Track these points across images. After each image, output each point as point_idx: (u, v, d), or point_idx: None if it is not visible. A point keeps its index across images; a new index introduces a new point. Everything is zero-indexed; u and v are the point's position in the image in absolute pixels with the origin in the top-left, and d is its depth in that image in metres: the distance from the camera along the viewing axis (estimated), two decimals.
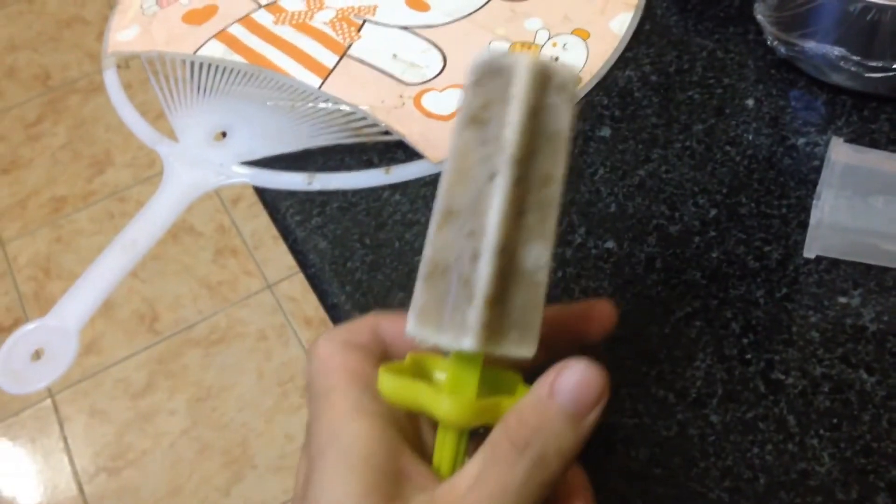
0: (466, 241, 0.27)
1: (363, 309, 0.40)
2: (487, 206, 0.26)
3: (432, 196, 0.44)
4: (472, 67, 0.28)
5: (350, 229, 0.43)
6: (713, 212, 0.40)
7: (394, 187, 0.45)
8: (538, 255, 0.27)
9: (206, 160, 0.47)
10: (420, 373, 0.29)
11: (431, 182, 0.45)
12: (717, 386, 0.35)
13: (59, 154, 1.62)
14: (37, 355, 0.41)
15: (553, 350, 0.28)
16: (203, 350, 1.32)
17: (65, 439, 1.26)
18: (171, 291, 1.38)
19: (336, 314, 0.41)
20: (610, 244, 0.40)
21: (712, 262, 0.38)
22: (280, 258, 1.41)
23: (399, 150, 0.46)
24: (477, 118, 0.27)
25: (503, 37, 0.49)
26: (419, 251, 0.42)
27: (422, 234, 0.43)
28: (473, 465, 0.25)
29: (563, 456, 0.25)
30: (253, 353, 1.31)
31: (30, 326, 0.42)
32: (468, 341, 0.26)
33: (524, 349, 0.27)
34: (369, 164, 0.46)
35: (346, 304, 0.41)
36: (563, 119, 0.27)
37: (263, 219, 1.46)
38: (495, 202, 0.26)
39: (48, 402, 1.30)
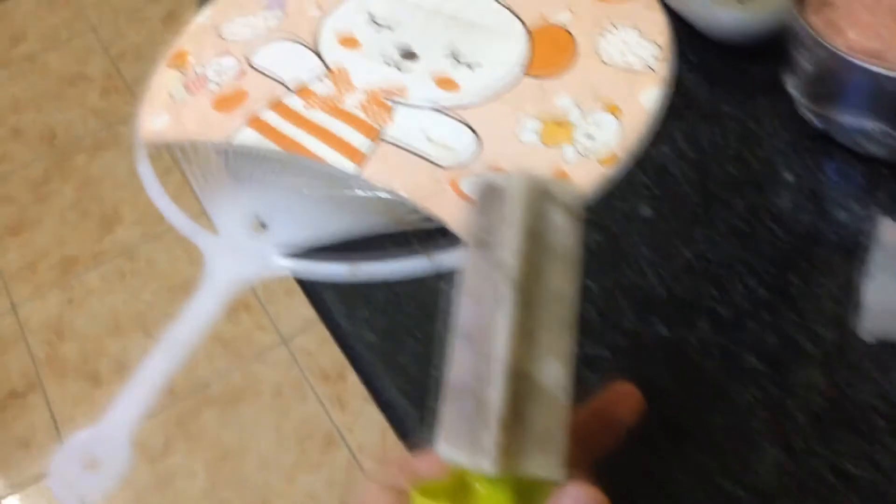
0: (481, 363, 0.27)
1: (417, 405, 0.40)
2: (495, 331, 0.27)
3: None
4: (475, 191, 0.29)
5: (399, 321, 0.43)
6: (763, 292, 0.40)
7: (439, 274, 0.45)
8: (555, 374, 0.27)
9: (246, 252, 0.47)
10: (460, 486, 0.29)
11: None
12: (787, 478, 0.35)
13: (67, 214, 1.62)
14: (90, 465, 0.41)
15: (594, 447, 0.29)
16: (220, 409, 1.31)
17: None
18: None
19: (392, 413, 0.41)
20: (661, 329, 0.40)
21: (769, 346, 0.38)
22: (293, 311, 1.40)
23: (441, 236, 0.46)
24: (483, 241, 0.28)
25: (535, 115, 0.49)
26: None
27: None
28: None
29: None
30: (270, 410, 1.30)
31: (80, 436, 0.42)
32: (487, 465, 0.26)
33: (549, 470, 0.27)
34: (412, 252, 0.46)
35: (402, 399, 0.41)
36: (567, 236, 0.28)
37: None
38: (501, 327, 0.27)
39: None
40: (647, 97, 0.49)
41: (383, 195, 0.47)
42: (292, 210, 0.48)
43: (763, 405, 0.37)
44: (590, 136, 0.48)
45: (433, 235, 0.46)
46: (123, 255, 1.53)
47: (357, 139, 0.50)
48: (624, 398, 0.31)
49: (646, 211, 0.44)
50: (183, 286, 1.46)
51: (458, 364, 0.28)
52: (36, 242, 1.59)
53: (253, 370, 1.34)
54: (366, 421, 1.27)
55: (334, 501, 1.20)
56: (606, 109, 0.49)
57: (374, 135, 0.51)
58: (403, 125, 0.51)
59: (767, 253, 0.42)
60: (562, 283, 0.28)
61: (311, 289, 0.46)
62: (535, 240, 0.27)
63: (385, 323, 0.43)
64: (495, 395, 0.27)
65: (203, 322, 0.46)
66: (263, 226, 0.48)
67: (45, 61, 1.90)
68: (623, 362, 0.39)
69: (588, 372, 0.39)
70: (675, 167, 0.46)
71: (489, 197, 0.28)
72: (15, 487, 1.28)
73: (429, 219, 0.46)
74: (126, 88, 1.81)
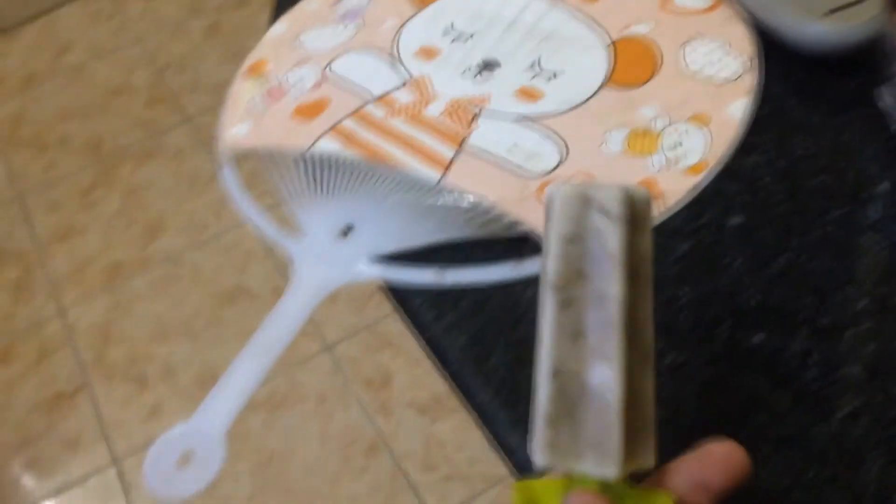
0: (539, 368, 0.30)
1: (512, 407, 0.40)
2: (541, 335, 0.30)
3: None
4: (545, 203, 0.31)
5: (488, 325, 0.44)
6: (864, 302, 0.40)
7: (526, 281, 0.45)
8: (602, 376, 0.28)
9: (332, 257, 0.48)
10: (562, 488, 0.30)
11: None
12: (893, 491, 0.34)
13: (113, 221, 1.64)
14: (184, 460, 0.41)
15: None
16: (264, 414, 1.32)
17: None
18: (230, 355, 1.39)
19: (485, 413, 0.41)
20: (758, 338, 0.40)
21: (870, 355, 0.38)
22: (337, 318, 1.41)
23: (527, 243, 0.47)
24: (543, 251, 0.31)
25: (620, 125, 0.50)
26: None
27: None
28: None
29: None
30: (314, 417, 1.31)
31: (176, 431, 0.42)
32: (538, 457, 0.29)
33: (604, 468, 0.28)
34: (499, 258, 0.46)
35: (494, 401, 0.41)
36: (610, 240, 0.29)
37: None
38: (545, 330, 0.30)
39: (113, 469, 1.30)
40: (734, 107, 0.49)
41: (467, 203, 0.47)
42: (377, 217, 0.49)
43: (866, 414, 0.37)
44: (676, 146, 0.48)
45: (518, 242, 0.47)
46: (168, 262, 1.55)
47: (440, 148, 0.51)
48: (724, 460, 0.29)
49: (737, 220, 0.44)
50: (227, 293, 1.48)
51: (558, 390, 0.30)
52: (83, 248, 1.61)
53: (297, 377, 1.35)
54: (409, 428, 1.27)
55: None
56: (692, 119, 0.49)
57: (458, 143, 0.51)
58: (487, 134, 0.51)
59: (866, 262, 0.41)
60: (606, 285, 0.29)
61: (398, 294, 0.46)
62: (575, 245, 0.29)
63: (474, 327, 0.44)
64: (541, 392, 0.29)
65: (291, 325, 0.47)
66: (348, 232, 0.49)
67: (92, 71, 1.93)
68: (719, 370, 0.39)
69: (681, 380, 0.39)
70: (766, 177, 0.46)
71: (577, 204, 0.30)
72: (61, 488, 1.30)
73: (514, 226, 0.46)
74: (171, 98, 1.84)
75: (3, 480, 1.33)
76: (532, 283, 0.46)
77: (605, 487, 0.28)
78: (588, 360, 0.28)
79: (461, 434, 1.27)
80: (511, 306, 0.44)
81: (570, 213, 0.30)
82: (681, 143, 0.48)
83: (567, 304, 0.29)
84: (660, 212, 0.45)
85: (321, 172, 0.51)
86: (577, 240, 0.29)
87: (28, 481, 1.32)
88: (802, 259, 0.42)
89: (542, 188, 0.48)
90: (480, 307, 0.44)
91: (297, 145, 0.53)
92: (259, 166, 0.54)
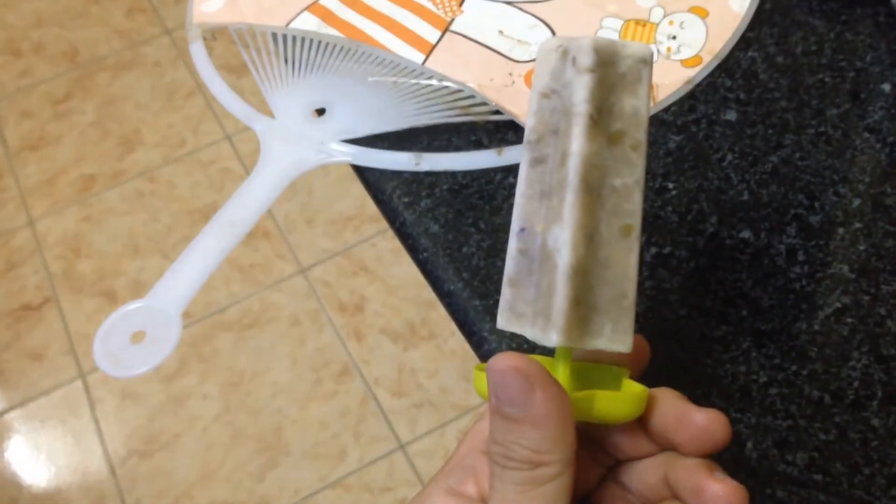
0: (549, 222, 0.27)
1: (482, 297, 0.39)
2: (567, 169, 0.26)
3: None
4: (540, 53, 0.28)
5: (463, 213, 0.41)
6: (856, 202, 0.38)
7: (506, 169, 0.43)
8: (557, 238, 0.26)
9: (304, 137, 0.45)
10: None
11: None
12: (877, 387, 0.33)
13: (87, 132, 1.59)
14: (137, 338, 0.39)
15: None
16: (236, 334, 1.30)
17: (96, 421, 1.25)
18: None
19: (453, 302, 0.39)
20: (745, 234, 0.38)
21: (860, 255, 0.36)
22: (313, 242, 1.39)
23: (510, 131, 0.44)
24: (550, 94, 0.28)
25: (615, 14, 0.47)
26: None
27: None
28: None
29: (533, 450, 0.23)
30: (286, 339, 1.29)
31: (129, 308, 0.40)
32: (498, 320, 0.28)
33: (547, 335, 0.26)
34: (479, 145, 0.44)
35: (464, 291, 0.39)
36: (576, 92, 0.26)
37: (297, 202, 1.44)
38: (518, 185, 0.28)
39: (79, 382, 1.29)
40: (737, 1, 0.46)
41: (450, 86, 0.45)
42: (354, 98, 0.46)
43: (852, 313, 0.35)
44: (673, 38, 0.45)
45: (501, 129, 0.44)
46: (143, 177, 1.51)
47: (424, 29, 0.48)
48: (702, 432, 0.26)
49: (731, 115, 0.42)
50: (202, 210, 1.45)
51: (520, 249, 0.28)
52: (55, 159, 1.56)
53: (270, 298, 1.33)
54: (381, 354, 1.26)
55: (347, 431, 1.20)
56: (692, 10, 0.46)
57: (443, 26, 0.48)
58: (474, 18, 0.48)
59: (862, 163, 0.39)
60: (570, 141, 0.26)
61: (369, 177, 0.44)
62: (551, 99, 0.27)
63: (449, 214, 0.41)
64: (508, 253, 0.28)
65: (257, 205, 0.44)
66: (322, 113, 0.46)
67: None
68: (702, 263, 0.37)
69: (665, 271, 0.37)
70: (764, 73, 0.43)
71: (555, 57, 0.27)
72: (26, 399, 1.28)
73: (497, 112, 0.44)
74: (151, 10, 1.77)
75: None
76: (512, 172, 0.43)
77: (559, 364, 0.26)
78: (549, 220, 0.26)
79: (433, 362, 1.26)
80: (489, 195, 0.42)
81: (548, 67, 0.27)
82: (678, 35, 0.45)
83: (538, 161, 0.27)
84: (653, 104, 0.43)
85: (296, 51, 0.48)
86: (552, 94, 0.27)
87: None
88: (796, 157, 0.40)
89: (528, 76, 0.45)
90: (456, 194, 0.42)
91: (273, 22, 0.50)
92: (231, 43, 0.51)
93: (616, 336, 0.26)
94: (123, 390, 1.27)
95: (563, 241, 0.26)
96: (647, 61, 0.27)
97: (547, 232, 0.26)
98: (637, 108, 0.27)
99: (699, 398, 0.34)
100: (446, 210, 0.42)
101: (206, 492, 1.17)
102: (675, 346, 0.35)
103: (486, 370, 0.24)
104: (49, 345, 1.33)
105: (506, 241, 0.41)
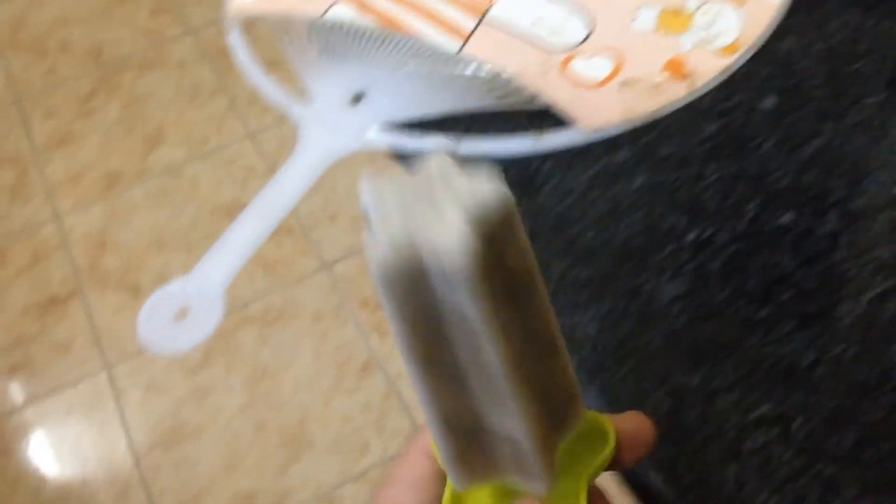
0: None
1: None
2: (411, 377, 0.23)
3: (584, 165, 0.42)
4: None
5: None
6: None
7: (544, 155, 0.43)
8: (503, 424, 0.23)
9: (342, 124, 0.46)
10: None
11: (584, 151, 0.43)
12: None
13: (112, 130, 1.61)
14: (180, 315, 0.40)
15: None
16: (259, 329, 1.31)
17: (121, 412, 1.26)
18: None
19: None
20: (786, 218, 0.38)
21: None
22: (336, 238, 1.39)
23: (547, 118, 0.45)
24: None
25: (652, 2, 0.47)
26: (576, 222, 0.40)
27: (577, 205, 0.41)
28: None
29: None
30: (309, 334, 1.30)
31: (172, 286, 0.41)
32: (457, 485, 0.25)
33: (533, 487, 0.24)
34: (516, 131, 0.44)
35: None
36: (468, 309, 0.21)
37: (320, 198, 1.45)
38: (413, 379, 0.23)
39: (104, 374, 1.30)
40: None
41: (486, 73, 0.45)
42: (390, 85, 0.47)
43: (895, 296, 0.35)
44: (709, 26, 0.45)
45: (538, 115, 0.45)
46: (167, 174, 1.53)
47: (460, 18, 0.48)
48: (630, 439, 0.26)
49: (769, 103, 0.42)
50: (226, 207, 1.46)
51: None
52: (80, 156, 1.58)
53: (293, 294, 1.34)
54: None
55: (370, 425, 1.20)
56: (729, 0, 0.46)
57: (479, 14, 0.48)
58: (510, 6, 0.48)
59: None
60: (480, 349, 0.22)
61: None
62: (428, 322, 0.21)
63: None
64: (436, 437, 0.23)
65: (294, 190, 0.45)
66: (360, 99, 0.47)
67: None
68: (743, 247, 0.38)
69: (705, 255, 0.38)
70: (802, 61, 0.43)
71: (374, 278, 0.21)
72: (52, 391, 1.30)
73: (534, 99, 0.44)
74: (175, 9, 1.79)
75: None
76: (550, 157, 0.44)
77: None
78: (481, 406, 0.23)
79: None
80: (528, 179, 0.42)
81: (402, 294, 0.20)
82: (714, 23, 0.45)
83: (432, 360, 0.22)
84: (689, 92, 0.43)
85: (333, 39, 0.49)
86: (424, 317, 0.21)
87: (18, 382, 1.31)
88: (836, 143, 0.40)
89: (566, 62, 0.46)
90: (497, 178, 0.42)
91: (309, 11, 0.50)
92: (268, 32, 0.51)
93: (575, 421, 0.25)
94: (148, 382, 1.28)
95: (514, 428, 0.23)
96: (508, 202, 0.21)
97: (484, 417, 0.23)
98: (521, 248, 0.22)
99: (742, 379, 0.34)
100: None
101: (229, 483, 1.18)
102: (717, 328, 0.35)
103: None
104: (75, 337, 1.35)
105: (544, 226, 0.41)
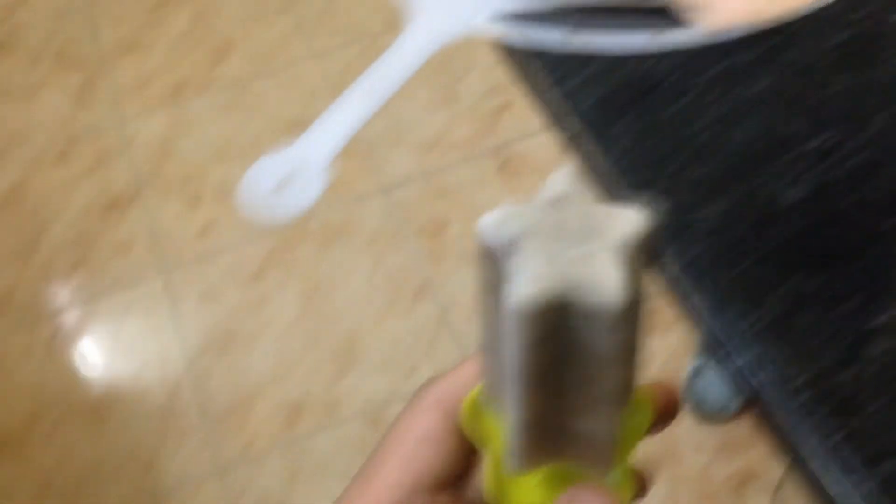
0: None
1: (634, 173, 0.38)
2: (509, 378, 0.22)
3: (703, 66, 0.41)
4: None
5: (614, 93, 0.41)
6: None
7: (660, 54, 0.42)
8: (589, 428, 0.23)
9: (453, 7, 0.45)
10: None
11: (703, 52, 0.42)
12: None
13: (180, 40, 1.61)
14: (282, 185, 0.40)
15: None
16: (316, 245, 1.32)
17: (176, 316, 1.29)
18: None
19: (601, 178, 0.39)
20: None
21: None
22: (398, 162, 1.39)
23: (664, 16, 0.43)
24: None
25: None
26: (693, 122, 0.39)
27: (694, 105, 0.40)
28: None
29: None
30: (365, 254, 1.30)
31: (274, 157, 0.40)
32: (515, 466, 0.24)
33: (598, 471, 0.24)
34: (632, 28, 0.43)
35: (615, 168, 0.38)
36: (610, 349, 0.20)
37: (385, 121, 1.44)
38: (512, 378, 0.21)
39: (161, 279, 1.32)
40: None
41: None
42: None
43: None
44: None
45: (656, 13, 0.43)
46: (233, 88, 1.53)
47: None
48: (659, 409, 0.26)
49: None
50: (288, 125, 1.46)
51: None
52: (147, 63, 1.59)
53: (352, 214, 1.34)
54: (459, 279, 1.27)
55: (419, 348, 1.21)
56: None
57: None
58: None
59: None
60: (601, 387, 0.21)
61: (517, 53, 0.43)
62: (548, 345, 0.20)
63: (598, 94, 0.40)
64: (511, 427, 0.22)
65: (400, 70, 0.44)
66: None
67: None
68: (872, 156, 0.36)
69: (828, 163, 0.36)
70: None
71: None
72: (110, 290, 1.33)
73: None
74: None
75: (54, 277, 1.35)
76: (668, 56, 0.42)
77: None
78: (571, 412, 0.22)
79: None
80: (643, 76, 0.41)
81: (535, 330, 0.19)
82: None
83: (540, 378, 0.21)
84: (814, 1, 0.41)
85: None
86: (549, 345, 0.20)
87: (78, 280, 1.34)
88: None
89: None
90: (609, 74, 0.41)
91: None
92: None
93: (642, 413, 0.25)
94: (203, 289, 1.30)
95: (601, 434, 0.23)
96: (654, 230, 0.20)
97: (569, 421, 0.23)
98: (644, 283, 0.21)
99: (864, 287, 0.33)
100: (596, 90, 0.41)
101: (278, 392, 1.20)
102: (839, 236, 0.34)
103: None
104: (134, 241, 1.37)
105: (659, 126, 0.40)
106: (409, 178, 1.37)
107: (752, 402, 0.34)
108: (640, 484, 0.26)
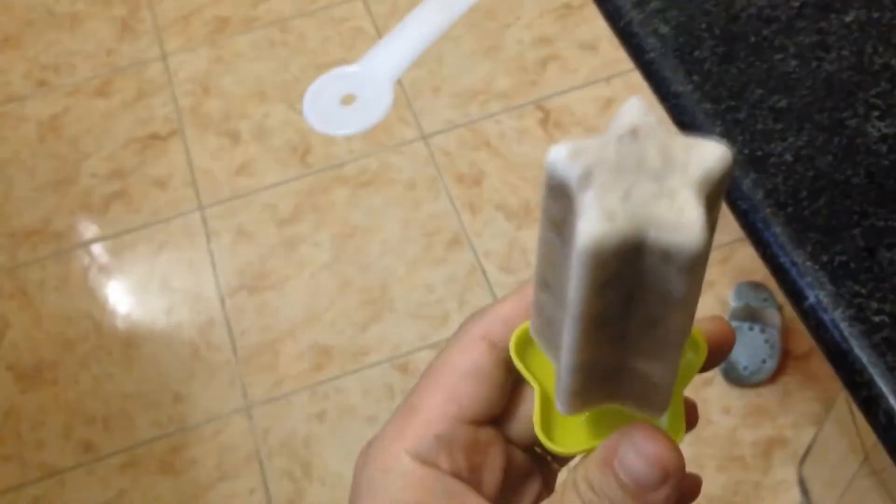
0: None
1: (714, 101, 0.36)
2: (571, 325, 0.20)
3: None
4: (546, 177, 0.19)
5: (697, 17, 0.39)
6: None
7: None
8: (646, 369, 0.22)
9: None
10: None
11: None
12: None
13: None
14: (347, 101, 0.39)
15: None
16: (352, 190, 1.31)
17: (211, 253, 1.29)
18: None
19: (679, 104, 0.37)
20: None
21: None
22: (438, 111, 1.37)
23: None
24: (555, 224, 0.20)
25: None
26: (779, 49, 0.38)
27: (781, 33, 0.38)
28: None
29: None
30: (401, 201, 1.30)
31: (341, 70, 0.39)
32: (565, 408, 0.23)
33: (652, 415, 0.23)
34: None
35: (694, 93, 0.37)
36: (677, 291, 0.19)
37: (426, 69, 1.42)
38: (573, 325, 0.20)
39: (198, 214, 1.33)
40: None
41: None
42: None
43: None
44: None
45: None
46: (276, 25, 1.51)
47: None
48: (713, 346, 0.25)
49: None
50: (330, 65, 1.44)
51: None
52: None
53: (389, 159, 1.33)
54: (494, 229, 1.26)
55: (452, 297, 1.21)
56: None
57: None
58: None
59: None
60: (665, 327, 0.20)
61: None
62: (616, 288, 0.19)
63: (681, 17, 0.39)
64: (566, 369, 0.21)
65: None
66: None
67: None
68: None
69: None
70: None
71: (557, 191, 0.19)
72: (147, 223, 1.33)
73: None
74: None
75: (93, 207, 1.36)
76: None
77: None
78: (631, 355, 0.21)
79: None
80: (727, 2, 0.39)
81: (606, 269, 0.18)
82: None
83: (603, 320, 0.20)
84: None
85: None
86: (618, 285, 0.19)
87: (115, 212, 1.35)
88: None
89: None
90: None
91: None
92: None
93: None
94: (239, 227, 1.31)
95: (658, 377, 0.22)
96: (729, 166, 0.18)
97: (625, 361, 0.22)
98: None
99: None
100: (678, 13, 0.39)
101: (308, 333, 1.21)
102: None
103: (645, 445, 0.22)
104: (172, 175, 1.37)
105: (742, 51, 0.39)
106: (449, 126, 1.35)
107: (821, 341, 0.33)
108: (690, 419, 0.25)
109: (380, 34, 1.41)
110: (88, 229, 1.35)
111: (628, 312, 0.20)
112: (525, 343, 0.25)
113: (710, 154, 0.18)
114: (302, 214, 1.30)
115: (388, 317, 1.20)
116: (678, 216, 0.17)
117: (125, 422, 1.18)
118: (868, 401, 0.31)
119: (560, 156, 0.18)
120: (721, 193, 0.19)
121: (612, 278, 0.18)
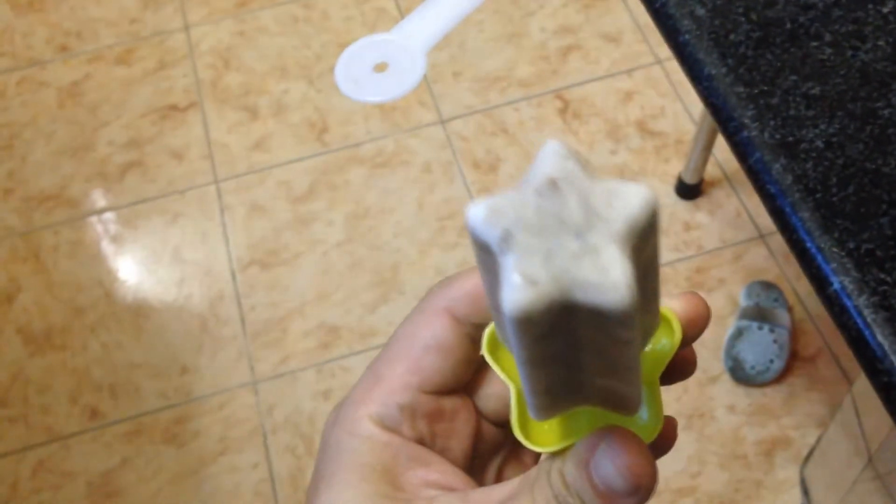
0: None
1: (747, 84, 0.36)
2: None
3: None
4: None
5: (734, 1, 0.39)
6: None
7: None
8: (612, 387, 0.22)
9: None
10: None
11: None
12: None
13: None
14: (380, 68, 0.39)
15: None
16: (367, 170, 1.31)
17: (224, 226, 1.30)
18: (343, 107, 1.37)
19: (712, 86, 0.37)
20: None
21: None
22: (457, 95, 1.37)
23: None
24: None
25: None
26: (815, 36, 0.37)
27: (817, 21, 0.38)
28: (512, 487, 0.23)
29: None
30: (416, 184, 1.30)
31: (375, 38, 0.39)
32: (538, 416, 0.23)
33: (628, 413, 0.23)
34: None
35: (728, 76, 0.37)
36: (621, 333, 0.18)
37: (447, 53, 1.42)
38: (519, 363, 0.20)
39: (213, 187, 1.33)
40: None
41: None
42: None
43: None
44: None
45: None
46: (300, 2, 1.51)
47: None
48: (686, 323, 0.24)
49: None
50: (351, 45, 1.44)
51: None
52: None
53: (406, 142, 1.33)
54: None
55: None
56: None
57: None
58: None
59: None
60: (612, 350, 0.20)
61: None
62: (552, 341, 0.19)
63: (717, 0, 0.39)
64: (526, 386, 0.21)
65: None
66: None
67: None
68: None
69: None
70: None
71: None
72: (162, 193, 1.34)
73: None
74: None
75: (109, 175, 1.37)
76: None
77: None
78: (590, 376, 0.21)
79: None
80: None
81: (537, 329, 0.18)
82: None
83: (550, 361, 0.20)
84: None
85: None
86: (555, 339, 0.19)
87: (131, 181, 1.36)
88: None
89: None
90: None
91: None
92: None
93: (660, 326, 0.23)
94: (253, 202, 1.31)
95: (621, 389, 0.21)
96: (655, 212, 0.18)
97: (588, 379, 0.21)
98: (655, 248, 0.19)
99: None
100: None
101: (317, 311, 1.21)
102: None
103: (619, 453, 0.22)
104: (189, 146, 1.37)
105: (778, 36, 0.38)
106: (467, 111, 1.35)
107: (843, 327, 0.33)
108: (687, 367, 0.25)
109: (402, 15, 1.40)
110: (103, 197, 1.35)
111: (576, 347, 0.19)
112: (498, 342, 0.24)
113: (633, 201, 0.17)
114: (316, 192, 1.30)
115: (397, 299, 1.21)
116: (602, 277, 0.17)
117: (131, 390, 1.18)
118: (888, 387, 0.31)
119: (479, 217, 0.18)
120: (649, 237, 0.18)
121: (548, 332, 0.18)
